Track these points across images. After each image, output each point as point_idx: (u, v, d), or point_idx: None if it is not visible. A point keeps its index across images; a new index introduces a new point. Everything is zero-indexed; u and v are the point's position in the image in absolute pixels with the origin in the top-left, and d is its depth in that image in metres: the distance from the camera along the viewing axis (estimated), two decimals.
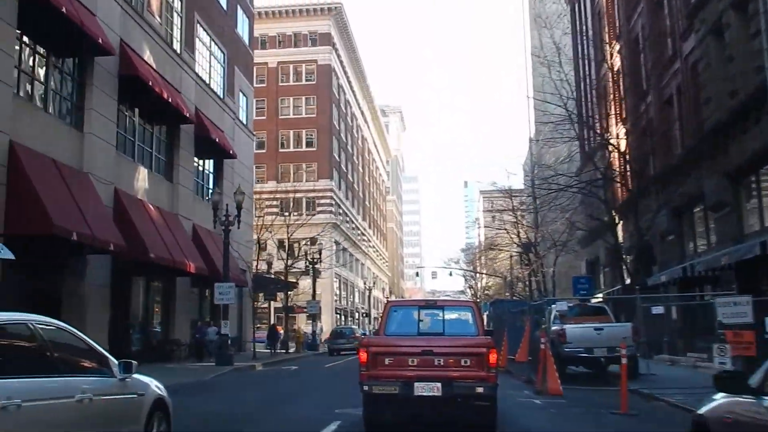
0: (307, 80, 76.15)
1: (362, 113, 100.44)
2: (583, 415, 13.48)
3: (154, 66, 28.47)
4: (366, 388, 10.35)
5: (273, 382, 21.61)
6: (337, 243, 71.69)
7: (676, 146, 27.65)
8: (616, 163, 30.32)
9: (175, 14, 31.98)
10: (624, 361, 13.71)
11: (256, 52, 66.37)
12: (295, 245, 54.48)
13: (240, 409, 14.31)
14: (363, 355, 10.53)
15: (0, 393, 5.20)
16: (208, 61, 36.43)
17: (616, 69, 33.00)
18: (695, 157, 24.44)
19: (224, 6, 39.46)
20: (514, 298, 52.94)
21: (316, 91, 75.52)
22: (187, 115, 30.21)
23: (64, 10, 20.09)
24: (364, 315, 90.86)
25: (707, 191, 23.36)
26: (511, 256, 58.08)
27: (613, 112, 32.11)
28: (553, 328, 20.31)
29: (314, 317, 53.00)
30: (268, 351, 39.63)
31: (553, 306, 21.92)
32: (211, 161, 37.01)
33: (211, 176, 37.05)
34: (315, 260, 50.16)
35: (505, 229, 50.68)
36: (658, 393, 15.38)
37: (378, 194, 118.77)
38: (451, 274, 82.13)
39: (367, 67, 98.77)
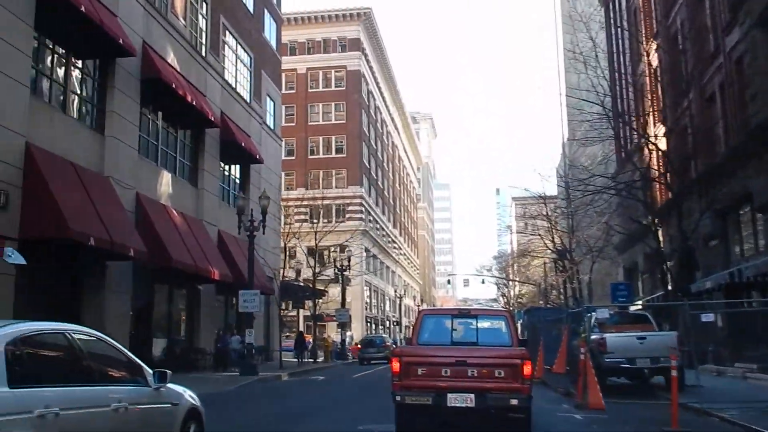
0: (336, 86, 75.54)
1: (392, 119, 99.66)
2: None
3: (178, 68, 27.87)
4: (398, 398, 10.27)
5: (296, 394, 20.74)
6: (367, 250, 70.86)
7: (720, 145, 26.37)
8: (655, 163, 29.07)
9: (199, 16, 31.39)
10: (674, 373, 12.61)
11: (285, 59, 66.05)
12: (325, 253, 53.79)
13: (257, 423, 13.46)
14: (395, 365, 10.47)
15: (38, 401, 5.30)
16: (234, 65, 35.83)
17: (654, 67, 31.77)
18: (741, 156, 23.23)
19: (251, 9, 38.87)
20: (548, 306, 51.66)
21: (345, 97, 74.90)
22: (212, 119, 29.53)
23: (83, 8, 19.51)
24: (395, 323, 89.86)
25: (755, 191, 22.14)
26: (545, 263, 56.81)
27: (651, 110, 30.85)
28: (593, 337, 19.18)
29: (344, 325, 52.10)
30: (296, 360, 38.76)
31: (593, 313, 20.77)
32: (238, 166, 36.34)
33: (237, 181, 36.37)
34: (344, 267, 49.25)
35: (539, 235, 49.39)
36: (709, 407, 14.20)
37: (409, 201, 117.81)
38: (483, 282, 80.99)
39: (397, 73, 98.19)
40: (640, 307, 29.57)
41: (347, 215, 68.65)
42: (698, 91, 27.96)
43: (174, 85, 25.77)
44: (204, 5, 31.76)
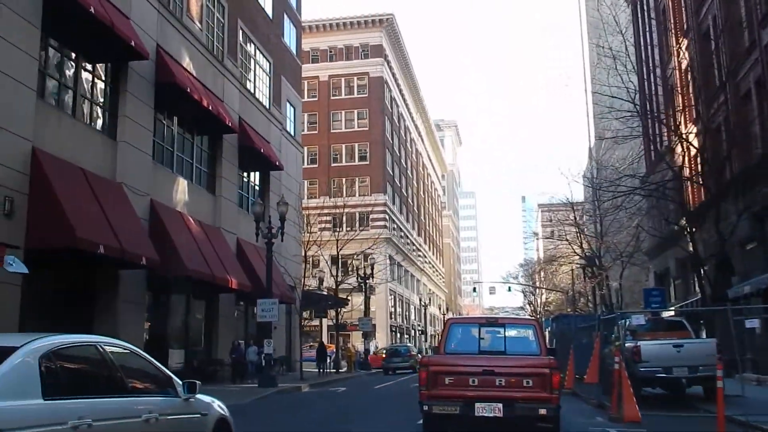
0: (359, 93, 74.91)
1: (416, 127, 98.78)
2: None
3: (194, 73, 27.27)
4: (426, 407, 10.29)
5: (314, 407, 19.86)
6: (390, 258, 69.94)
7: (757, 144, 25.18)
8: (687, 163, 27.92)
9: (216, 20, 30.77)
10: (720, 384, 11.57)
11: (307, 67, 65.62)
12: (349, 262, 53.04)
13: None
14: (422, 374, 10.53)
15: (72, 413, 5.40)
16: (252, 70, 35.21)
17: (685, 65, 30.65)
18: None
19: (270, 14, 38.25)
20: (577, 313, 50.41)
21: (368, 104, 74.24)
22: (230, 125, 28.85)
23: (92, 9, 18.89)
24: (421, 332, 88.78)
25: None
26: (572, 270, 55.62)
27: (682, 109, 29.69)
28: (626, 345, 18.14)
29: (367, 335, 51.19)
30: (318, 371, 37.86)
31: (628, 320, 19.69)
32: (257, 173, 35.65)
33: (256, 189, 35.67)
34: (367, 275, 48.35)
35: (567, 240, 48.20)
36: (756, 420, 13.07)
37: (434, 209, 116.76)
38: (510, 290, 79.67)
39: (420, 81, 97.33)
40: (672, 313, 28.36)
41: (371, 223, 67.84)
42: (733, 89, 26.81)
43: (189, 90, 25.13)
44: (221, 9, 31.15)
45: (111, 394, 6.19)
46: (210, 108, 26.62)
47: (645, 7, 40.66)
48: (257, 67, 35.95)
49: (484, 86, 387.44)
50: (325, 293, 46.45)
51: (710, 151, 26.58)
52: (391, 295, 73.12)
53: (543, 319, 52.38)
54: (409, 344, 62.74)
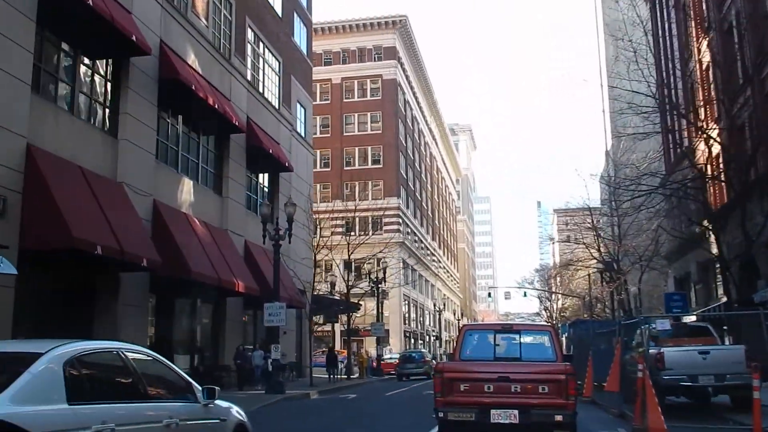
0: (372, 96, 74.11)
1: (430, 130, 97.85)
2: None
3: (199, 71, 26.54)
4: (441, 414, 10.25)
5: (320, 416, 19.02)
6: (404, 262, 69.01)
7: None
8: (706, 161, 26.89)
9: (223, 17, 30.05)
10: (756, 395, 10.63)
11: (320, 69, 64.93)
12: (361, 266, 52.18)
13: None
14: (437, 381, 10.52)
15: (96, 418, 5.52)
16: (261, 69, 34.45)
17: (707, 61, 29.63)
18: None
19: (279, 12, 37.52)
20: (594, 318, 49.32)
21: (381, 106, 73.43)
22: (237, 124, 28.09)
23: (90, 2, 18.15)
24: (435, 338, 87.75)
25: None
26: (589, 275, 54.57)
27: (704, 104, 28.65)
28: (649, 351, 17.16)
29: (379, 340, 50.26)
30: (328, 377, 36.95)
31: (653, 325, 18.68)
32: (266, 175, 34.88)
33: (265, 190, 34.90)
34: (379, 279, 47.41)
35: (584, 243, 47.13)
36: None
37: (448, 214, 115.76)
38: (525, 295, 78.51)
39: (435, 85, 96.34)
40: (693, 318, 27.33)
41: (384, 227, 66.99)
42: (758, 85, 25.78)
43: (194, 87, 24.39)
44: (228, 6, 30.43)
45: (132, 399, 6.31)
46: (216, 106, 25.88)
47: (665, 2, 39.63)
48: (266, 66, 35.21)
49: (487, 87, 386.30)
50: (337, 298, 45.61)
51: (735, 149, 25.55)
52: (404, 300, 72.19)
53: (559, 324, 51.34)
54: (423, 350, 61.78)
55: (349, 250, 42.00)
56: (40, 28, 18.00)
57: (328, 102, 71.88)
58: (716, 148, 26.22)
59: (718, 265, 29.09)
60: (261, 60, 34.51)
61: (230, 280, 25.48)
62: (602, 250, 43.94)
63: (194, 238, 24.72)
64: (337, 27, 73.87)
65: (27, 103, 17.15)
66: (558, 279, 76.30)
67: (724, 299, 27.77)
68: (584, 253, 49.24)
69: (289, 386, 27.59)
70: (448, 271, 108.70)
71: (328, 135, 71.41)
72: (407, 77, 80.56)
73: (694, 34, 32.28)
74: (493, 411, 9.94)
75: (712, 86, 29.04)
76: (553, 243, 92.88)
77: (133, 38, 20.44)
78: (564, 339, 33.14)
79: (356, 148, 73.20)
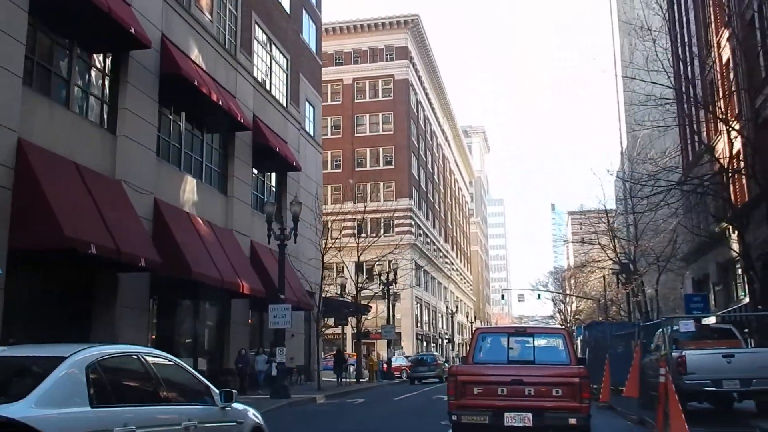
0: (384, 96, 73.36)
1: (443, 131, 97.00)
2: None
3: (203, 66, 25.85)
4: (455, 417, 10.30)
5: (324, 423, 18.22)
6: (416, 264, 68.13)
7: None
8: (732, 156, 25.90)
9: (228, 12, 29.34)
10: None
11: (331, 69, 64.29)
12: (373, 267, 51.38)
13: None
14: (451, 384, 10.60)
15: (117, 420, 5.70)
16: (268, 66, 33.73)
17: (727, 54, 28.66)
18: None
19: (287, 8, 36.81)
20: (609, 321, 48.30)
21: (393, 107, 72.66)
22: (242, 121, 27.36)
23: None
24: (448, 341, 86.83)
25: None
26: (604, 277, 53.54)
27: (723, 97, 27.65)
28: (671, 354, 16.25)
29: (390, 343, 49.42)
30: (336, 380, 36.13)
31: (677, 326, 17.80)
32: (273, 174, 34.15)
33: (273, 190, 34.17)
34: (390, 281, 46.55)
35: (600, 244, 46.11)
36: None
37: (461, 216, 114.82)
38: (539, 297, 77.54)
39: (447, 86, 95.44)
40: (713, 320, 26.37)
41: (396, 228, 66.16)
42: None
43: (197, 83, 23.67)
44: (234, 0, 29.71)
45: (152, 402, 6.47)
46: (220, 103, 25.15)
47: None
48: (273, 63, 34.49)
49: (491, 87, 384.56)
50: (347, 300, 44.83)
51: (757, 146, 24.59)
52: (417, 302, 71.34)
53: (574, 327, 50.33)
54: (435, 353, 60.94)
55: (358, 251, 41.18)
56: (33, 18, 17.31)
57: (340, 103, 71.23)
58: (738, 144, 25.22)
59: (739, 266, 28.10)
60: (268, 57, 33.80)
61: (234, 281, 24.73)
62: (618, 251, 42.94)
63: (197, 238, 24.01)
64: (348, 27, 73.19)
65: (18, 96, 16.46)
66: (572, 281, 75.28)
67: (745, 301, 26.81)
68: (599, 254, 48.29)
69: (296, 390, 26.85)
70: (461, 274, 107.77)
71: (340, 136, 70.76)
72: (419, 77, 79.76)
73: (713, 26, 31.28)
74: (506, 414, 9.96)
75: (732, 78, 28.06)
76: (567, 244, 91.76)
77: (132, 30, 19.72)
78: (578, 342, 32.23)
79: (368, 149, 72.47)
